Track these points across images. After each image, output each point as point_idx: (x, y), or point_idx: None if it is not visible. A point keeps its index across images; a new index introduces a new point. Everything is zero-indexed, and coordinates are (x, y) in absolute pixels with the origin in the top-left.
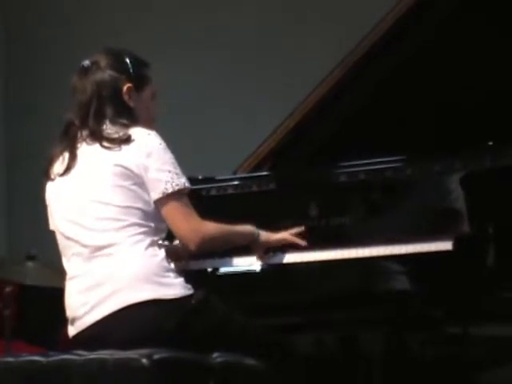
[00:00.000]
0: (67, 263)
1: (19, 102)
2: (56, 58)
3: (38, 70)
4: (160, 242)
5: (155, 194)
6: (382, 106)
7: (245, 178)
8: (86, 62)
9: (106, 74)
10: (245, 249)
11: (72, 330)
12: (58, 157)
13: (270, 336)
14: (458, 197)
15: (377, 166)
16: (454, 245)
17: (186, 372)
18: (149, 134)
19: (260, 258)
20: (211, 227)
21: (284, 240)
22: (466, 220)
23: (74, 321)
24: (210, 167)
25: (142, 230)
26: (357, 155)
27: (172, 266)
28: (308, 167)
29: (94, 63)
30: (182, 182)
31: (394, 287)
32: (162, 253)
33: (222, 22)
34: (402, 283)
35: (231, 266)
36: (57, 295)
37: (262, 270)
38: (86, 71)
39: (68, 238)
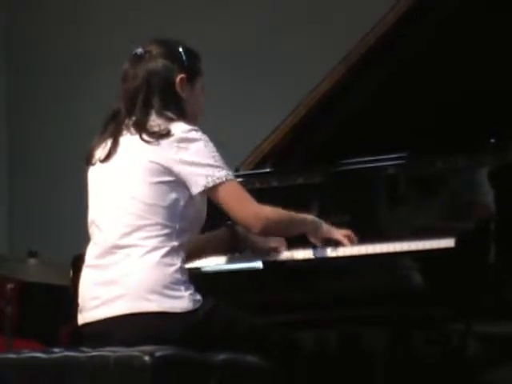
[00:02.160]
0: (89, 248)
1: (21, 100)
2: (58, 58)
3: (40, 70)
4: (182, 245)
5: (196, 188)
6: (386, 103)
7: (247, 174)
8: (139, 50)
9: (159, 62)
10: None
11: (80, 319)
12: (100, 143)
13: (276, 335)
14: (460, 194)
15: (379, 164)
16: (457, 242)
17: (189, 369)
18: (190, 130)
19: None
20: (270, 210)
21: (341, 241)
22: (468, 217)
23: (82, 310)
24: None
25: (165, 231)
26: (360, 152)
27: (185, 277)
28: (311, 164)
29: (147, 52)
30: (222, 174)
31: (396, 285)
32: (178, 262)
33: (221, 20)
34: (404, 281)
35: (233, 263)
36: (58, 292)
37: (264, 267)
38: (139, 59)
39: (96, 226)
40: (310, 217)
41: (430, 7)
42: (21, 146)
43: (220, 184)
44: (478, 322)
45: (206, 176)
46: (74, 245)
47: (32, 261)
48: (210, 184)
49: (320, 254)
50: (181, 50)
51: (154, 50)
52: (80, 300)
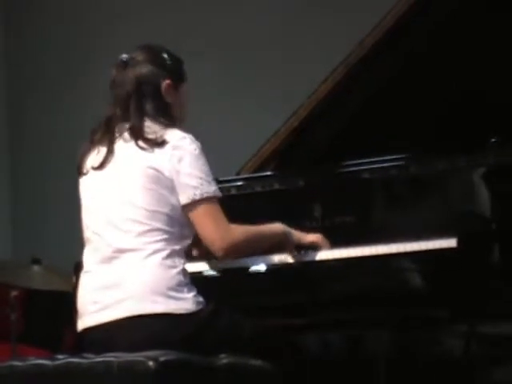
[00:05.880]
0: (87, 255)
1: (22, 104)
2: (58, 57)
3: (40, 70)
4: (182, 249)
5: (183, 199)
6: (386, 104)
7: (248, 178)
8: (125, 56)
9: (146, 68)
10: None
11: (80, 325)
12: (90, 151)
13: (278, 338)
14: (461, 194)
15: (381, 165)
16: (459, 242)
17: (192, 374)
18: (184, 138)
19: (292, 255)
20: (240, 233)
21: (316, 242)
22: (470, 217)
23: (82, 316)
24: (213, 168)
25: (165, 236)
26: (361, 154)
27: (187, 279)
28: (312, 167)
29: (133, 58)
30: (211, 189)
31: (398, 286)
32: (180, 264)
33: (221, 22)
34: (406, 281)
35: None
36: (62, 298)
37: (267, 270)
38: (124, 65)
39: (94, 232)
40: (278, 229)
41: (430, 9)
42: (23, 151)
43: (206, 199)
44: (480, 322)
45: (195, 188)
46: (77, 251)
47: (36, 268)
48: (197, 197)
49: (322, 256)
50: (165, 55)
51: (139, 56)
52: (79, 305)
